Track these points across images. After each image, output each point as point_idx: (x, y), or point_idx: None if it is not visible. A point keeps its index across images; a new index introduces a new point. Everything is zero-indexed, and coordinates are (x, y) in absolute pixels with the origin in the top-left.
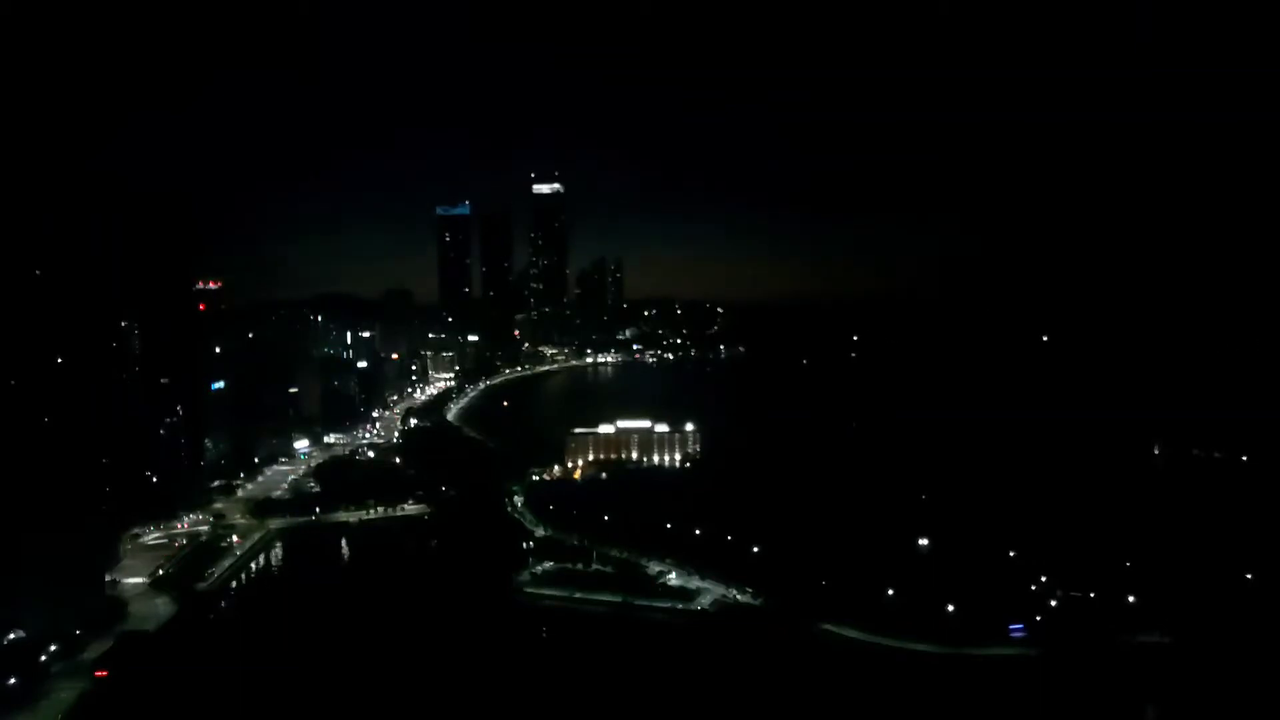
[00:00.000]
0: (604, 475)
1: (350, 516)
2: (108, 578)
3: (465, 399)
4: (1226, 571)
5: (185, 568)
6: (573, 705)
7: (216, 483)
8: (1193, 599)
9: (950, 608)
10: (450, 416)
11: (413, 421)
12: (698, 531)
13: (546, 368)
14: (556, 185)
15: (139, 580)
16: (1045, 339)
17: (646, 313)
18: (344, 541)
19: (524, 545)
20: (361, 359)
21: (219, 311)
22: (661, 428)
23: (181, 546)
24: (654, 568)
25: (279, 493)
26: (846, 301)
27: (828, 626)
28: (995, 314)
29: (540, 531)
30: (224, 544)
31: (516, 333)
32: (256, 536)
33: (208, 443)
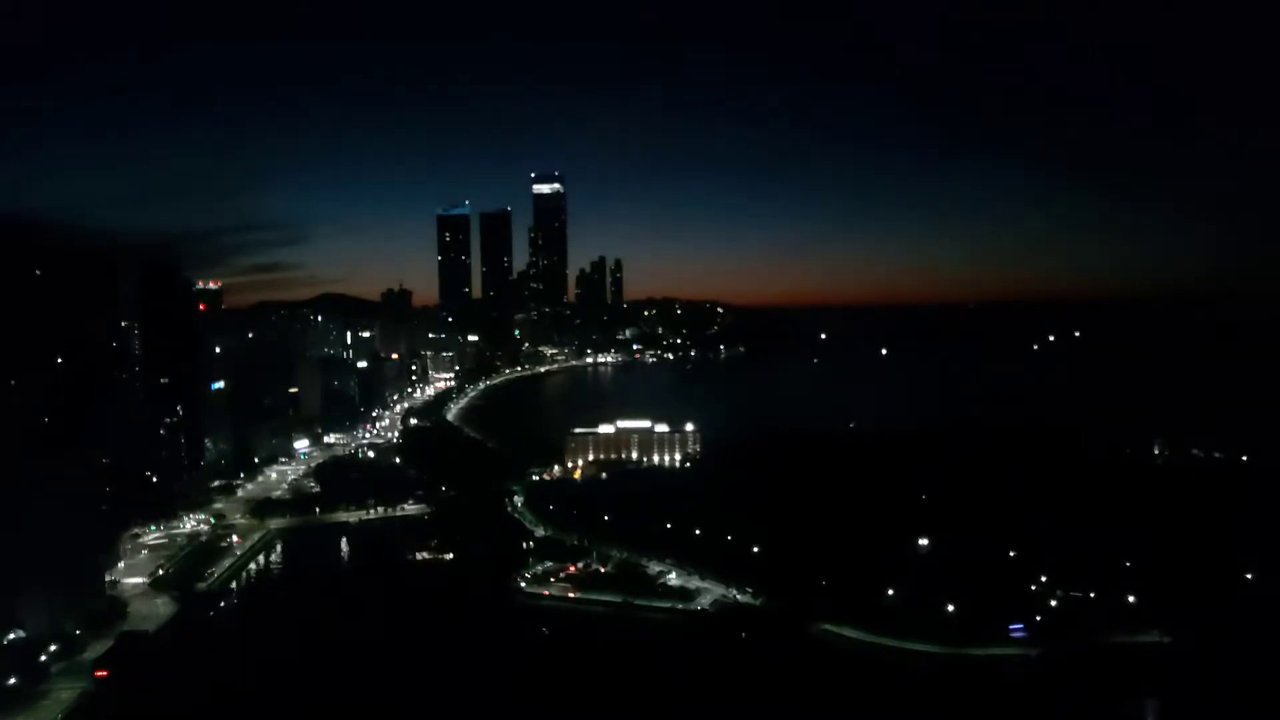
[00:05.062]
0: (604, 475)
1: (350, 516)
2: (108, 578)
3: (465, 399)
4: (1226, 571)
5: (185, 568)
6: (573, 705)
7: (216, 483)
8: (1193, 599)
9: (950, 608)
10: (450, 416)
11: (413, 421)
12: (698, 531)
13: (546, 368)
14: (557, 185)
15: (139, 580)
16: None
17: (646, 313)
18: (344, 541)
19: (524, 545)
20: (361, 359)
21: (219, 311)
22: (661, 428)
23: (181, 546)
24: (654, 568)
25: (279, 493)
26: None
27: (828, 626)
28: None
29: (540, 531)
30: (224, 544)
31: (516, 333)
32: (256, 536)
33: (208, 443)
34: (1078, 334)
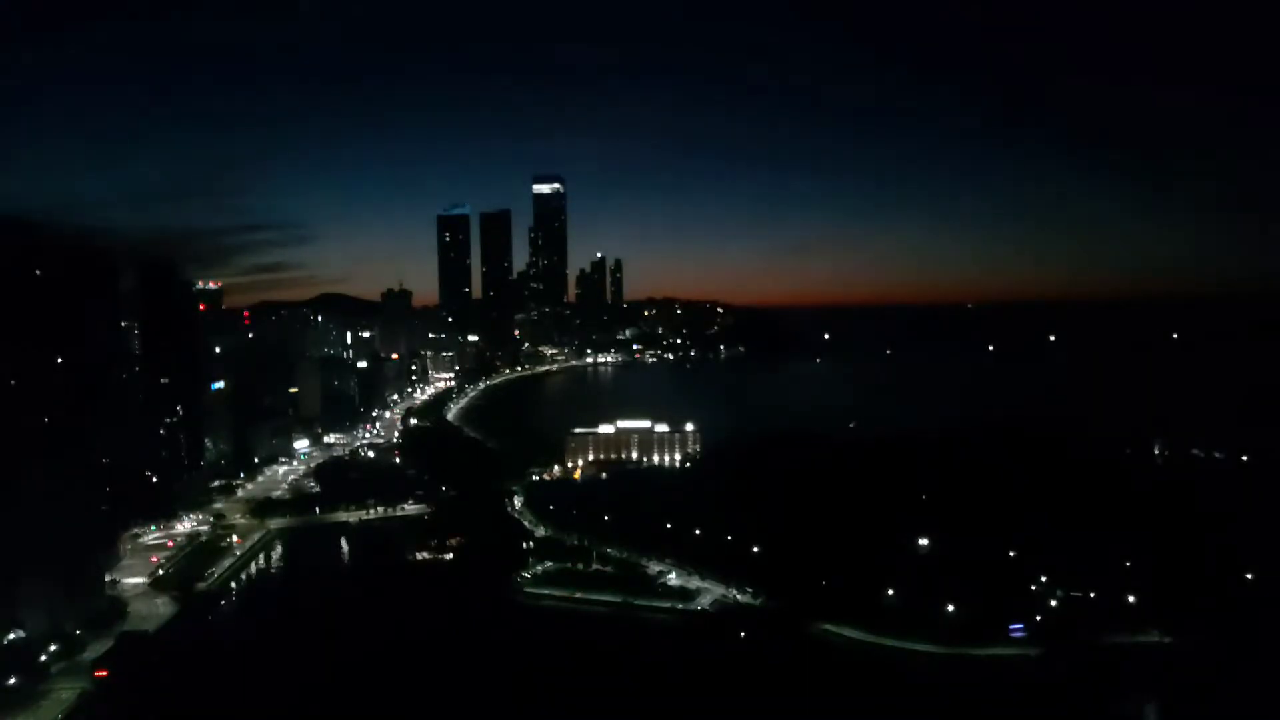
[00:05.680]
0: (604, 475)
1: (350, 516)
2: (108, 578)
3: (465, 399)
4: (1226, 571)
5: (185, 568)
6: (573, 705)
7: (216, 483)
8: (1193, 599)
9: (950, 608)
10: (450, 416)
11: (413, 421)
12: (698, 531)
13: (546, 368)
14: (557, 185)
15: (139, 580)
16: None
17: (646, 313)
18: (344, 541)
19: (524, 545)
20: (361, 359)
21: (219, 311)
22: (661, 428)
23: (181, 546)
24: (654, 568)
25: (279, 493)
26: None
27: (828, 626)
28: None
29: (540, 531)
30: (224, 544)
31: (516, 333)
32: (256, 536)
33: (208, 443)
34: (1077, 334)
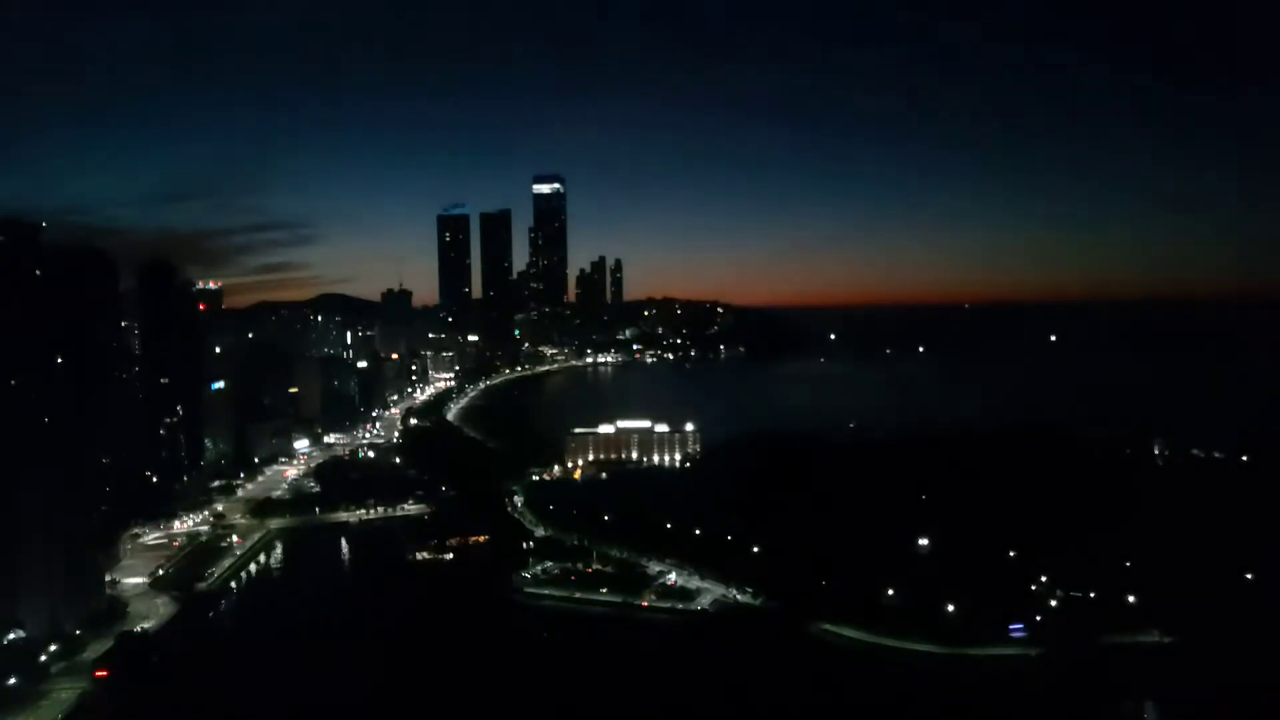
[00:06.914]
0: (604, 475)
1: (350, 516)
2: (108, 578)
3: (465, 399)
4: (1226, 571)
5: (185, 568)
6: (573, 705)
7: (216, 483)
8: (1193, 599)
9: (950, 608)
10: (450, 416)
11: (413, 421)
12: (698, 531)
13: (546, 368)
14: (557, 185)
15: (139, 580)
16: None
17: (646, 313)
18: (344, 541)
19: (524, 545)
20: (361, 359)
21: (219, 311)
22: (661, 428)
23: (181, 546)
24: (654, 568)
25: (279, 493)
26: None
27: (828, 626)
28: None
29: (540, 531)
30: (224, 544)
31: (516, 333)
32: (256, 536)
33: (208, 443)
34: (1078, 334)
